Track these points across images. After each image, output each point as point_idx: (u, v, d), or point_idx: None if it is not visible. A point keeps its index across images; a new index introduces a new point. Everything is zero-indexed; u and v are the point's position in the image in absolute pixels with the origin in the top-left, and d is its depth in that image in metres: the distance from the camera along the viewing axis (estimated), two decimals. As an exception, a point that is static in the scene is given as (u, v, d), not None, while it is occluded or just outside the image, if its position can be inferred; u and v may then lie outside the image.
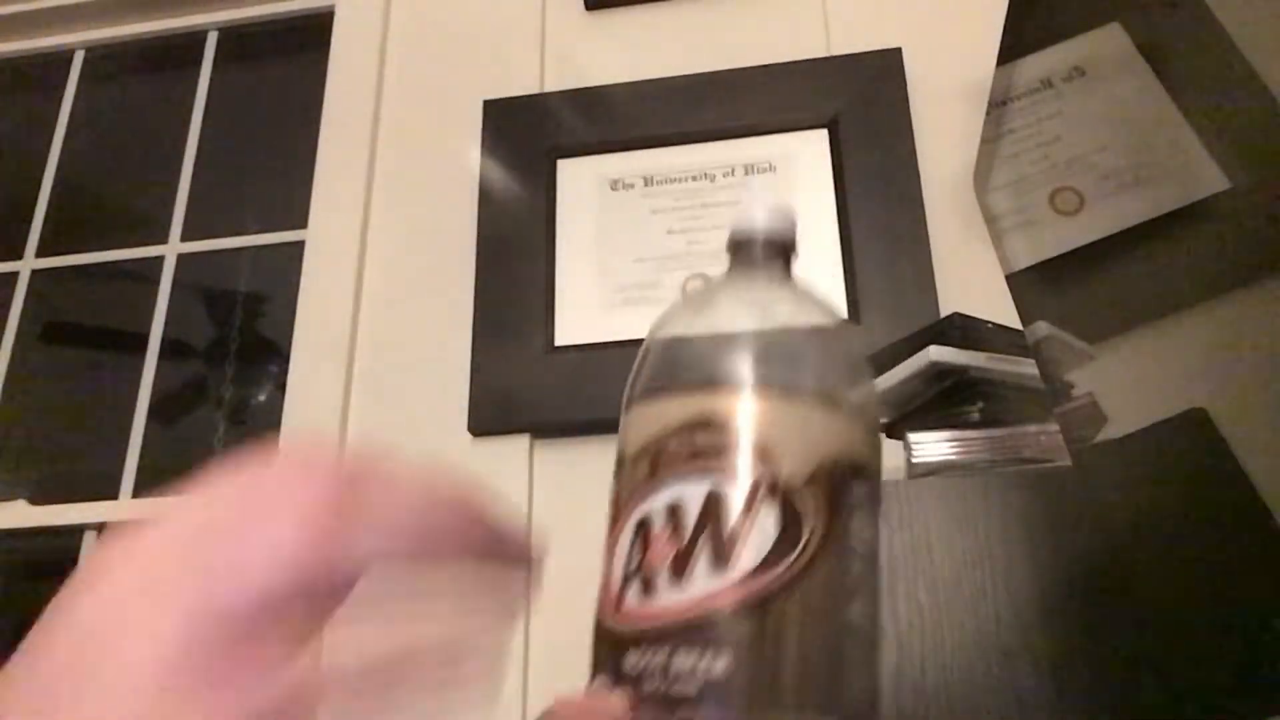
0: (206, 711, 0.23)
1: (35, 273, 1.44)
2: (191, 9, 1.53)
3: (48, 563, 1.29)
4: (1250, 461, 0.42)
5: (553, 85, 1.29)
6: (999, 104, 0.68)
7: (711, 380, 0.41)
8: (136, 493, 1.29)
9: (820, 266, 1.12)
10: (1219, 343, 0.45)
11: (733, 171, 1.19)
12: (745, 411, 0.40)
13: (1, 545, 1.30)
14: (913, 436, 0.70)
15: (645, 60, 1.27)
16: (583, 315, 1.14)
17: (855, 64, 1.20)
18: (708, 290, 0.48)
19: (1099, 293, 0.59)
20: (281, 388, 1.21)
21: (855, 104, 1.18)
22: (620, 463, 0.42)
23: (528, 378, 1.10)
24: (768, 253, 0.47)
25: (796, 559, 0.37)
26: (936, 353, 0.70)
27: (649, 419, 0.42)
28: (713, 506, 0.38)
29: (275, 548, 0.25)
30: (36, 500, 1.29)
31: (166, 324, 1.36)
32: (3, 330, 1.40)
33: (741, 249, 0.47)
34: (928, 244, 1.09)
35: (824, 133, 1.19)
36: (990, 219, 0.72)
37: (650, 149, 1.21)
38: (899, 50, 1.20)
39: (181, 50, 1.55)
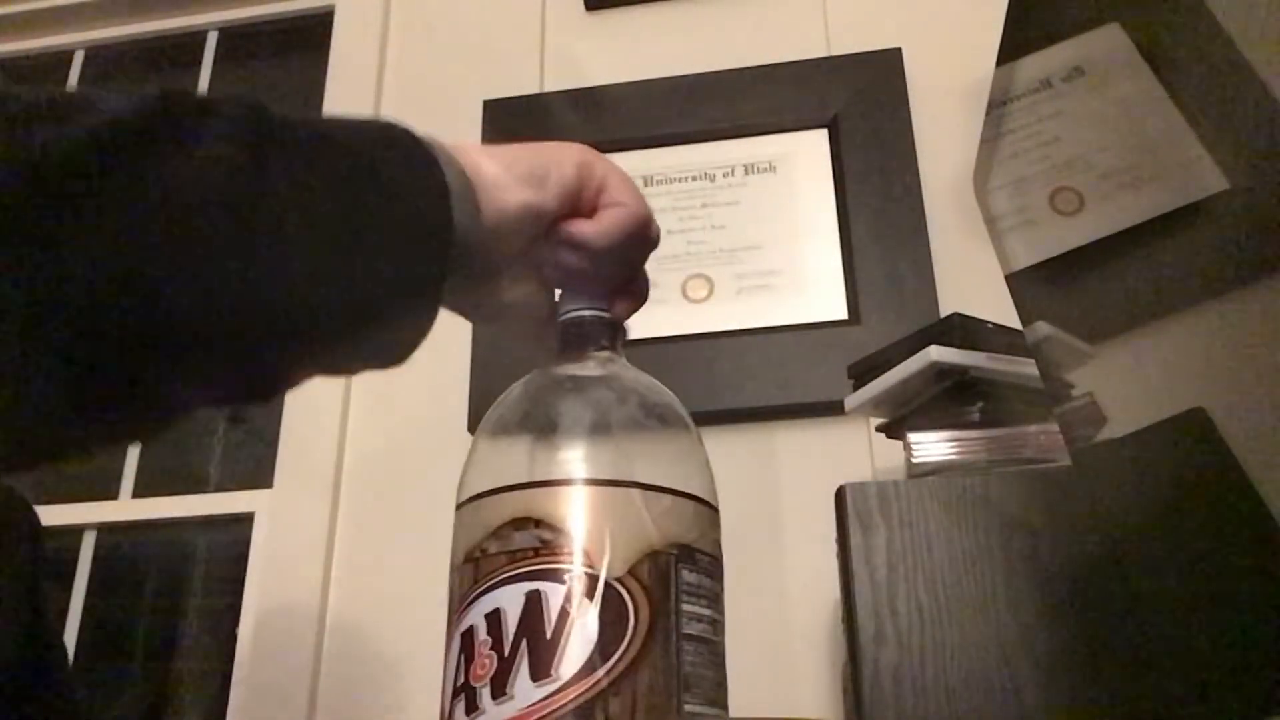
0: None
1: (35, 273, 1.44)
2: (191, 9, 1.53)
3: (48, 562, 1.29)
4: (1250, 461, 0.42)
5: (553, 85, 1.29)
6: (999, 104, 0.68)
7: (526, 478, 0.40)
8: (136, 493, 1.29)
9: (820, 267, 1.12)
10: (1219, 343, 0.45)
11: (733, 171, 1.19)
12: (560, 507, 0.38)
13: (1, 545, 1.29)
14: (913, 436, 0.71)
15: (645, 60, 1.27)
16: (583, 315, 1.14)
17: (855, 64, 1.20)
18: (529, 382, 0.46)
19: (1099, 293, 0.59)
20: (281, 388, 1.21)
21: (855, 104, 1.18)
22: (450, 571, 0.41)
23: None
24: (595, 336, 0.46)
25: (619, 658, 0.35)
26: (936, 353, 0.70)
27: (470, 522, 0.41)
28: (531, 611, 0.36)
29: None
30: (36, 500, 1.29)
31: (166, 324, 1.36)
32: (3, 330, 1.40)
33: (569, 334, 0.46)
34: (928, 244, 1.09)
35: (824, 133, 1.19)
36: (990, 219, 0.72)
37: (650, 149, 1.21)
38: (899, 50, 1.20)
39: (181, 50, 1.55)
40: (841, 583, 0.61)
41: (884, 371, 0.74)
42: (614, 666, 0.35)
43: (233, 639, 1.12)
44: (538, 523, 0.38)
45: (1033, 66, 0.65)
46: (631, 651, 0.35)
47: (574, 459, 0.40)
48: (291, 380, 0.37)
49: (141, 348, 0.32)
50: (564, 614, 0.36)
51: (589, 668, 0.35)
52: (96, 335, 0.31)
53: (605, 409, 0.43)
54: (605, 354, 0.45)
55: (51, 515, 1.26)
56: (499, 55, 1.33)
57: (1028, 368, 0.70)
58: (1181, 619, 0.50)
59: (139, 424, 0.36)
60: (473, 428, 1.09)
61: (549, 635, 0.35)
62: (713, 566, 0.39)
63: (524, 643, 0.36)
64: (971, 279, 1.07)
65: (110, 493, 1.28)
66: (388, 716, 1.02)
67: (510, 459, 0.42)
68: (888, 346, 0.77)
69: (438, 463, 1.01)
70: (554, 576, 0.36)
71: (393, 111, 1.33)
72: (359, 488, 1.14)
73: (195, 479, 1.32)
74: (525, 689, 0.35)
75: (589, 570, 0.36)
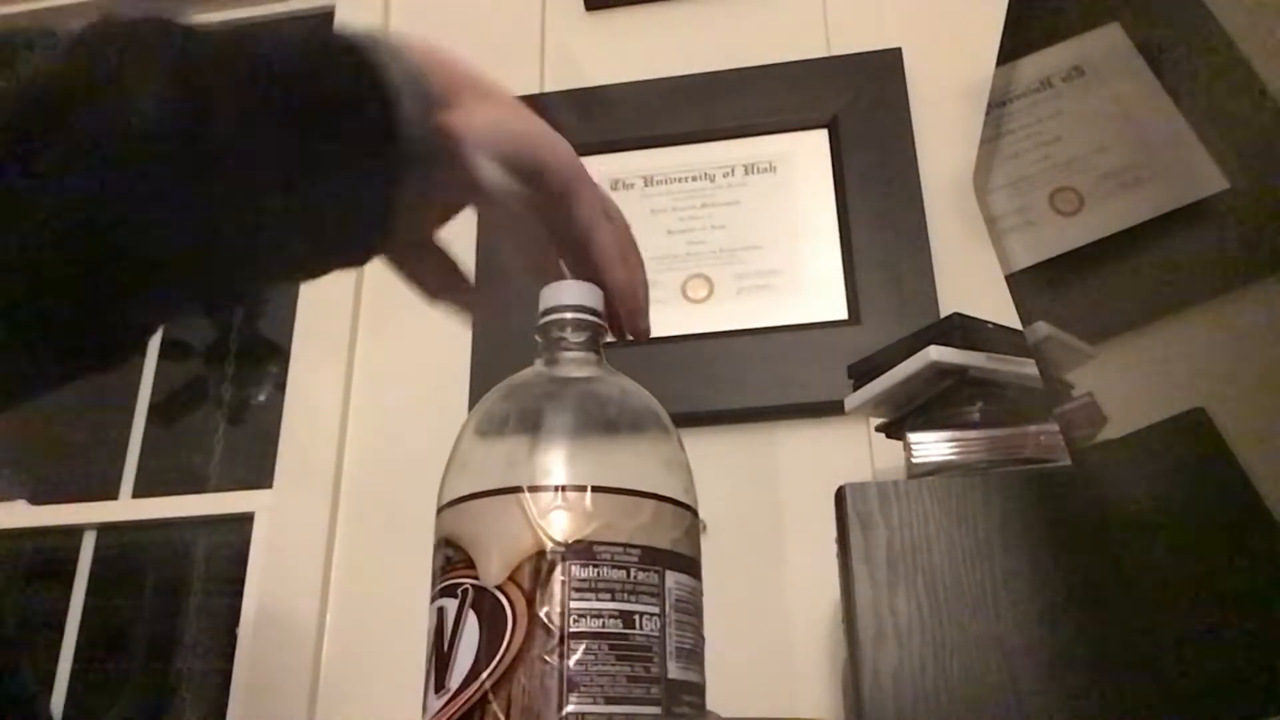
0: None
1: (35, 273, 1.44)
2: (191, 9, 1.53)
3: (48, 563, 1.29)
4: (1250, 461, 0.42)
5: (553, 85, 1.29)
6: (999, 104, 0.68)
7: (443, 500, 0.42)
8: (136, 493, 1.29)
9: (820, 267, 1.12)
10: (1219, 343, 0.45)
11: (733, 171, 1.19)
12: (458, 525, 0.40)
13: (1, 545, 1.30)
14: (913, 436, 0.70)
15: (645, 60, 1.27)
16: (583, 315, 1.14)
17: (855, 64, 1.20)
18: (498, 387, 0.47)
19: (1099, 293, 0.59)
20: (281, 388, 1.21)
21: (855, 104, 1.18)
22: None
23: (528, 378, 1.10)
24: (571, 335, 0.46)
25: (498, 664, 0.36)
26: (936, 353, 0.70)
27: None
28: (437, 628, 0.39)
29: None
30: (36, 500, 1.29)
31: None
32: (3, 330, 1.40)
33: (546, 334, 0.46)
34: (928, 244, 1.09)
35: (824, 133, 1.19)
36: (990, 219, 0.72)
37: (650, 149, 1.21)
38: (899, 50, 1.20)
39: (181, 50, 1.55)
40: (841, 583, 0.61)
41: (884, 371, 0.74)
42: (493, 672, 0.36)
43: (233, 639, 1.12)
44: (448, 541, 0.40)
45: (1033, 66, 0.65)
46: (509, 656, 0.36)
47: (472, 474, 0.41)
48: (254, 290, 0.39)
49: (102, 280, 0.33)
50: (455, 627, 0.38)
51: (473, 675, 0.36)
52: (62, 267, 0.31)
53: (508, 415, 0.44)
54: (578, 354, 0.45)
55: (51, 515, 1.26)
56: (499, 55, 1.33)
57: (1028, 368, 0.70)
58: (1181, 619, 0.50)
59: (103, 350, 0.36)
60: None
61: (445, 649, 0.38)
62: (627, 557, 0.38)
63: (433, 658, 0.38)
64: (971, 279, 1.07)
65: (110, 493, 1.28)
66: (387, 716, 1.02)
67: (444, 477, 0.44)
68: (888, 346, 0.77)
69: (437, 463, 1.00)
70: (451, 592, 0.39)
71: (393, 111, 1.33)
72: (359, 488, 1.14)
73: (195, 479, 1.32)
74: (431, 702, 0.38)
75: (474, 582, 0.38)
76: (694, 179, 1.20)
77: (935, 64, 1.20)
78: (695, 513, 0.45)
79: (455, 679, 0.36)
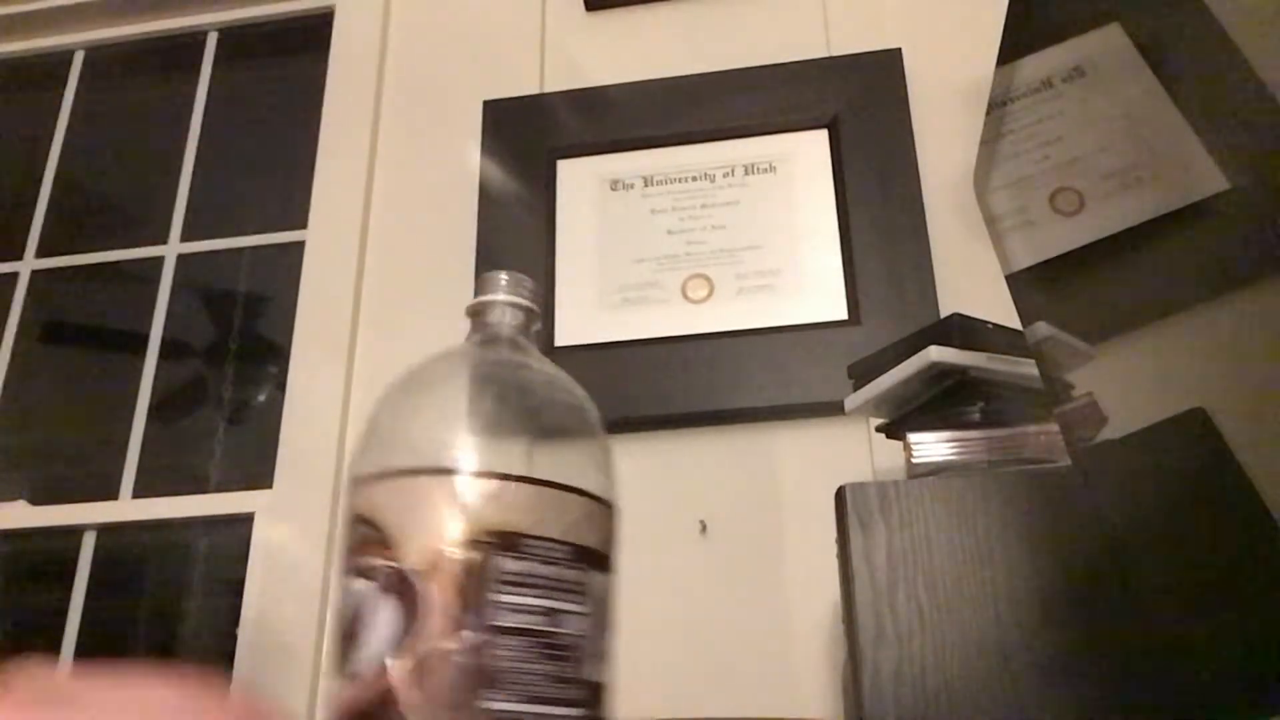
0: None
1: (35, 273, 1.44)
2: (191, 9, 1.53)
3: (48, 563, 1.29)
4: (1250, 461, 0.42)
5: (553, 85, 1.29)
6: (999, 104, 0.68)
7: (357, 471, 0.40)
8: (136, 493, 1.29)
9: (820, 267, 1.12)
10: (1219, 343, 0.45)
11: (733, 171, 1.19)
12: (376, 501, 0.37)
13: (1, 545, 1.30)
14: (913, 436, 0.70)
15: (645, 60, 1.27)
16: (582, 315, 1.14)
17: (855, 64, 1.20)
18: (421, 365, 0.46)
19: (1099, 293, 0.59)
20: (281, 388, 1.21)
21: (855, 104, 1.18)
22: None
23: (528, 378, 1.10)
24: (501, 323, 0.45)
25: (409, 657, 0.34)
26: (936, 353, 0.70)
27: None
28: (346, 607, 0.37)
29: None
30: (36, 500, 1.29)
31: (166, 324, 1.36)
32: (3, 330, 1.40)
33: (478, 317, 0.46)
34: (928, 244, 1.09)
35: (824, 133, 1.19)
36: (990, 219, 0.72)
37: (650, 149, 1.21)
38: (899, 50, 1.20)
39: (181, 50, 1.55)
40: (841, 583, 0.61)
41: (884, 371, 0.74)
42: (406, 663, 0.34)
43: (233, 639, 1.12)
44: (365, 518, 0.38)
45: (1033, 66, 0.65)
46: (425, 646, 0.34)
47: (397, 448, 0.39)
48: None
49: None
50: (368, 611, 0.36)
51: (384, 664, 0.34)
52: None
53: (444, 397, 0.42)
54: (509, 338, 0.45)
55: (51, 515, 1.26)
56: (499, 55, 1.33)
57: (1028, 368, 0.70)
58: (1181, 619, 0.50)
59: None
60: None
61: (355, 632, 0.36)
62: (554, 553, 0.37)
63: (340, 641, 0.36)
64: (971, 279, 1.07)
65: (110, 493, 1.28)
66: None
67: (362, 444, 0.41)
68: (888, 346, 0.77)
69: None
70: (366, 572, 0.36)
71: (392, 111, 1.33)
72: (359, 488, 1.14)
73: (195, 479, 1.32)
74: (336, 686, 0.36)
75: (392, 565, 0.36)
76: (694, 179, 1.20)
77: (935, 64, 1.20)
78: (614, 512, 0.43)
79: (365, 665, 0.35)
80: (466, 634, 0.35)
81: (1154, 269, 0.52)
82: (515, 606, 0.35)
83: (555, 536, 0.37)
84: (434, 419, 0.40)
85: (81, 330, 1.48)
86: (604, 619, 0.39)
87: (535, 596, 0.36)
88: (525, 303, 0.46)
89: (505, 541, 0.36)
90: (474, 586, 0.35)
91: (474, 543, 0.36)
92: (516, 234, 1.18)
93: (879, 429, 0.81)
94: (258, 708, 0.32)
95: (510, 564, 0.36)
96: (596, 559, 0.39)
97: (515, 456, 0.39)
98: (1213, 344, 0.45)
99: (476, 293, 0.46)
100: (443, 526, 0.36)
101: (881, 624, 0.57)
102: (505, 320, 0.45)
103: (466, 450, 0.38)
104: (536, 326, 0.46)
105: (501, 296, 0.45)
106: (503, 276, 0.46)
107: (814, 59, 1.22)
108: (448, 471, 0.37)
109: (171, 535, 1.28)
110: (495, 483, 0.37)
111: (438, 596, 0.35)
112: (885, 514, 0.60)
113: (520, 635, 0.35)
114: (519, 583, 0.36)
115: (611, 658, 0.40)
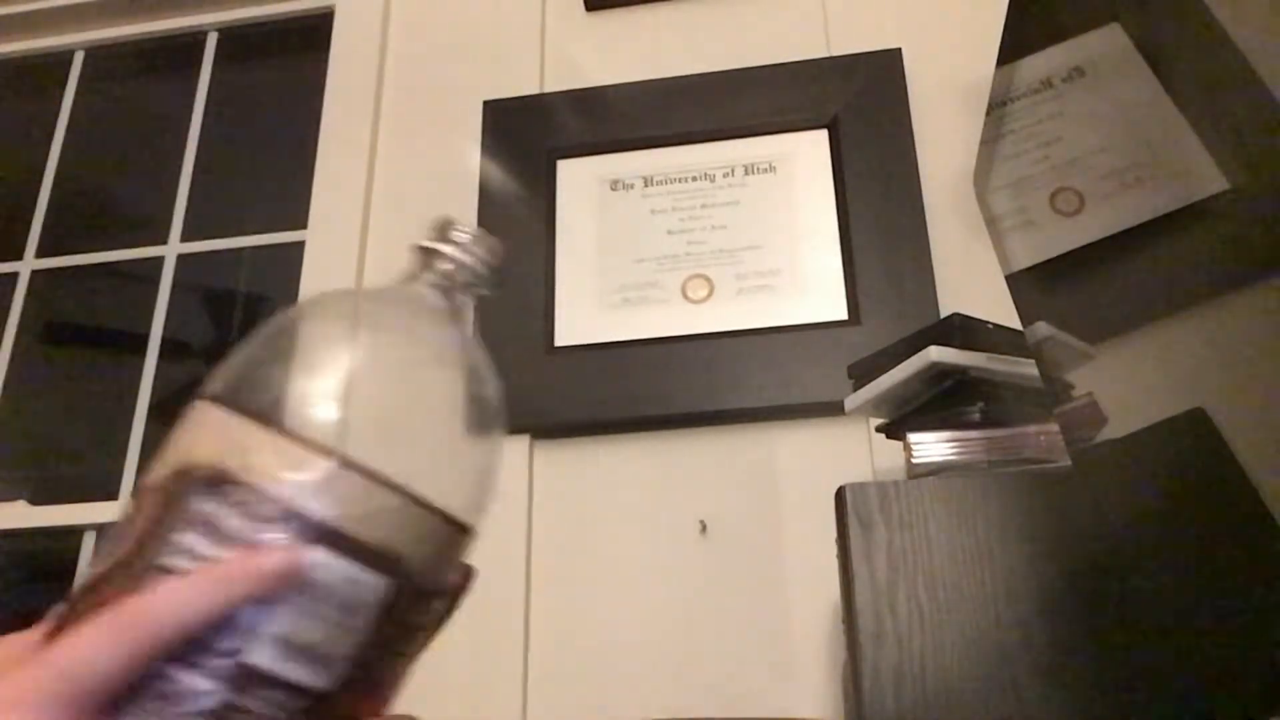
0: None
1: (35, 273, 1.44)
2: (191, 9, 1.53)
3: (48, 563, 1.29)
4: (1250, 461, 0.42)
5: (553, 85, 1.29)
6: (999, 104, 0.68)
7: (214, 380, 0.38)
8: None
9: (820, 267, 1.12)
10: (1219, 343, 0.45)
11: (733, 171, 1.19)
12: (189, 415, 0.36)
13: (1, 545, 1.30)
14: (913, 436, 0.71)
15: (645, 60, 1.27)
16: (582, 315, 1.14)
17: (855, 64, 1.20)
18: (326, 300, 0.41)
19: (1099, 293, 0.59)
20: (281, 388, 1.21)
21: (855, 104, 1.18)
22: None
23: (527, 378, 1.10)
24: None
25: (101, 564, 0.32)
26: (936, 353, 0.70)
27: None
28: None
29: None
30: (36, 500, 1.29)
31: (166, 324, 1.36)
32: (3, 330, 1.40)
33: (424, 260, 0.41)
34: (928, 244, 1.09)
35: (824, 133, 1.19)
36: (990, 219, 0.72)
37: (650, 149, 1.21)
38: (899, 50, 1.20)
39: (181, 50, 1.55)
40: (841, 583, 0.61)
41: (884, 372, 0.74)
42: (96, 570, 0.32)
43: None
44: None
45: (1033, 67, 0.65)
46: (108, 561, 0.32)
47: (238, 376, 0.37)
48: None
49: None
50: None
51: (98, 563, 0.33)
52: None
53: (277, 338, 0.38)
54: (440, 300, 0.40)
55: (51, 515, 1.26)
56: (499, 55, 1.33)
57: (1028, 368, 0.70)
58: (1181, 619, 0.50)
59: None
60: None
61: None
62: (261, 505, 0.32)
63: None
64: (971, 279, 1.07)
65: (110, 493, 1.28)
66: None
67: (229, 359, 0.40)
68: (888, 347, 0.77)
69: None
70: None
71: (392, 111, 1.33)
72: (359, 488, 1.14)
73: (195, 479, 1.31)
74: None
75: (142, 480, 0.34)
76: (694, 179, 1.20)
77: (935, 64, 1.20)
78: (462, 527, 0.37)
79: (96, 563, 0.33)
80: (134, 562, 0.31)
81: (1154, 269, 0.52)
82: (184, 549, 0.31)
83: (268, 493, 0.32)
84: (246, 358, 0.37)
85: (81, 330, 1.48)
86: (321, 607, 0.32)
87: (209, 545, 0.31)
88: (481, 268, 0.41)
89: (214, 479, 0.32)
90: (161, 517, 0.32)
91: (190, 473, 0.32)
92: (516, 234, 1.18)
93: (879, 429, 0.81)
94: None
95: (207, 505, 0.32)
96: (343, 542, 0.32)
97: (333, 424, 0.34)
98: (1213, 344, 0.45)
99: (432, 235, 0.42)
100: (181, 451, 0.33)
101: (881, 624, 0.57)
102: (455, 278, 0.41)
103: (257, 389, 0.35)
104: (482, 292, 0.41)
105: (452, 251, 0.41)
106: (464, 231, 0.41)
107: (814, 59, 1.22)
108: (209, 399, 0.35)
109: (171, 535, 1.28)
110: (243, 423, 0.33)
111: (140, 516, 0.33)
112: (885, 514, 0.60)
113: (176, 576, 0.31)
114: (202, 523, 0.31)
115: (330, 658, 0.33)
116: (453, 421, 0.38)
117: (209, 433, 0.34)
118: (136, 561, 0.31)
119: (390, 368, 0.38)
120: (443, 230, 0.42)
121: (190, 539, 0.31)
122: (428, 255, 0.42)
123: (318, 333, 0.38)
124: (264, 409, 0.34)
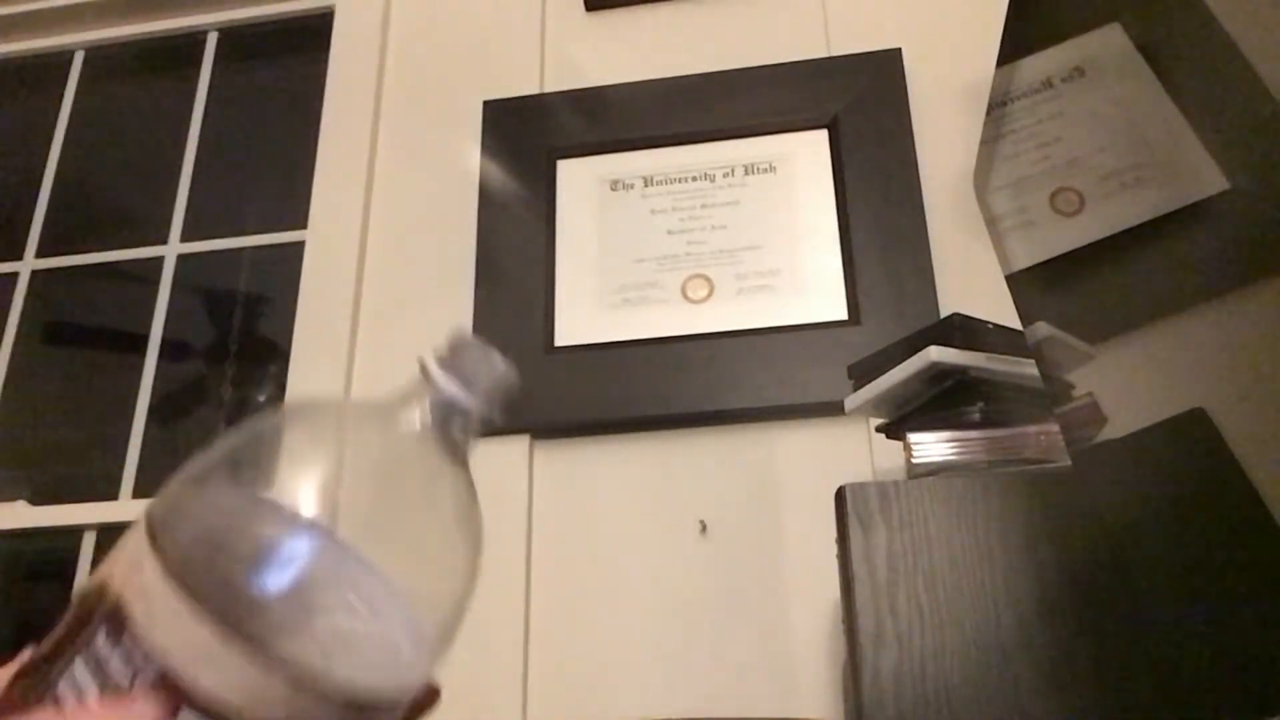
0: None
1: (35, 273, 1.44)
2: (191, 9, 1.53)
3: (48, 563, 1.29)
4: (1250, 461, 0.42)
5: (553, 85, 1.29)
6: (999, 104, 0.68)
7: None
8: (136, 493, 1.29)
9: (820, 267, 1.12)
10: (1219, 343, 0.45)
11: (733, 171, 1.19)
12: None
13: (1, 545, 1.30)
14: (913, 436, 0.70)
15: (645, 60, 1.27)
16: (582, 315, 1.14)
17: (855, 64, 1.20)
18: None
19: (1099, 293, 0.59)
20: (281, 388, 1.21)
21: (855, 104, 1.18)
22: None
23: (527, 378, 1.10)
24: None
25: (34, 653, 0.31)
26: (936, 353, 0.70)
27: None
28: None
29: None
30: (36, 500, 1.29)
31: (166, 324, 1.36)
32: (3, 330, 1.40)
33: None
34: (928, 244, 1.09)
35: (824, 133, 1.19)
36: (990, 219, 0.72)
37: (650, 149, 1.21)
38: (899, 50, 1.20)
39: (181, 50, 1.55)
40: (841, 583, 0.61)
41: (884, 372, 0.74)
42: (40, 648, 0.31)
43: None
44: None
45: (1033, 67, 0.65)
46: (46, 644, 0.31)
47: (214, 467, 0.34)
48: None
49: None
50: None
51: (45, 639, 0.31)
52: None
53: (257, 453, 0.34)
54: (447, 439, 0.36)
55: (51, 515, 1.26)
56: (499, 55, 1.33)
57: (1028, 368, 0.70)
58: (1181, 619, 0.50)
59: None
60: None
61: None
62: (142, 657, 0.30)
63: None
64: (971, 279, 1.07)
65: (110, 493, 1.28)
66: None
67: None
68: (888, 347, 0.77)
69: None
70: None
71: (392, 111, 1.33)
72: (359, 488, 1.14)
73: (195, 479, 1.31)
74: None
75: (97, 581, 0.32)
76: (694, 179, 1.20)
77: (935, 64, 1.20)
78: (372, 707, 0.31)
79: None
80: (42, 677, 0.30)
81: (1154, 269, 0.52)
82: (72, 682, 0.29)
83: (144, 642, 0.29)
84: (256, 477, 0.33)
85: (81, 330, 1.48)
86: None
87: (95, 682, 0.29)
88: (479, 406, 0.36)
89: (116, 616, 0.29)
90: (70, 632, 0.30)
91: (107, 596, 0.30)
92: (516, 234, 1.18)
93: (879, 429, 0.81)
94: None
95: (102, 638, 0.30)
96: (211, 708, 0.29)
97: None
98: (1213, 344, 0.45)
99: (441, 356, 0.37)
100: (122, 563, 0.31)
101: (881, 624, 0.57)
102: (455, 410, 0.36)
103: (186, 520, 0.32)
104: (485, 418, 0.37)
105: (448, 386, 0.36)
106: (474, 350, 0.37)
107: (814, 59, 1.22)
108: (144, 524, 0.31)
109: (171, 535, 1.28)
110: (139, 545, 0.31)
111: (68, 623, 0.31)
112: (885, 514, 0.60)
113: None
114: (95, 660, 0.30)
115: None
116: (404, 590, 0.32)
117: (129, 558, 0.31)
118: (48, 671, 0.30)
119: (352, 524, 0.32)
120: (453, 355, 0.37)
121: (80, 672, 0.29)
122: (428, 379, 0.37)
123: (277, 458, 0.33)
124: (180, 552, 0.30)
